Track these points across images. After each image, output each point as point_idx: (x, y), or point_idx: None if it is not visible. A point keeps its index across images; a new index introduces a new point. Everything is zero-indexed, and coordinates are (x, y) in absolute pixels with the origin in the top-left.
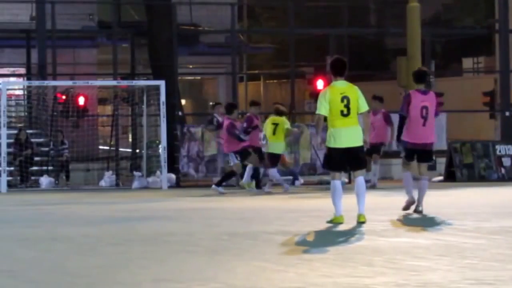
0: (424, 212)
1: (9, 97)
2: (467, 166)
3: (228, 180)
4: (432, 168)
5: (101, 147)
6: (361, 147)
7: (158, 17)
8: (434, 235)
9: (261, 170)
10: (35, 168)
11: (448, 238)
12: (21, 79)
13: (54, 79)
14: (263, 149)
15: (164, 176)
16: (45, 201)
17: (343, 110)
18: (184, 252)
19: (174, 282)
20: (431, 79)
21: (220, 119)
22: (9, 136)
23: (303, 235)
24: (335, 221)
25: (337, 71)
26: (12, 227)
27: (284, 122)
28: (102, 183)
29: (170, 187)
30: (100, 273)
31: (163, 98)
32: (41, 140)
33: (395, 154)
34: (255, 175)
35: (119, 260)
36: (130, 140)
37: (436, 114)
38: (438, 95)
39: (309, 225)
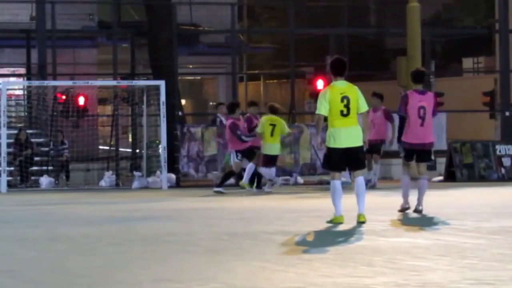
0: (424, 212)
1: (9, 97)
2: (467, 166)
3: (228, 180)
4: (432, 168)
5: (101, 147)
6: (361, 147)
7: (158, 17)
8: (434, 235)
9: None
10: (35, 168)
11: (448, 238)
12: (21, 79)
13: (54, 79)
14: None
15: (164, 176)
16: (45, 201)
17: (343, 110)
18: (184, 252)
19: (174, 282)
20: (431, 79)
21: (223, 119)
22: (9, 136)
23: (303, 235)
24: (335, 221)
25: (337, 71)
26: (12, 227)
27: (283, 124)
28: (102, 183)
29: (170, 187)
30: (100, 273)
31: (163, 98)
32: (41, 140)
33: (395, 154)
34: (255, 175)
35: (119, 260)
36: (130, 140)
37: (434, 114)
38: (438, 95)
39: (309, 225)
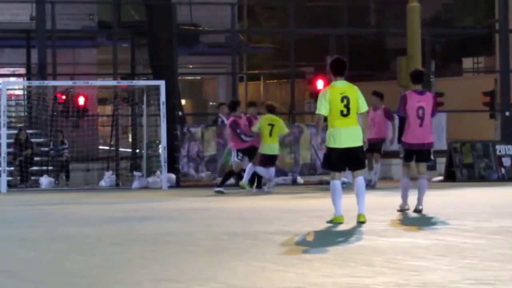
0: (424, 212)
1: (9, 97)
2: (467, 166)
3: (228, 180)
4: (432, 168)
5: (101, 147)
6: (361, 147)
7: (158, 17)
8: (434, 235)
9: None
10: (35, 168)
11: (448, 238)
12: (21, 79)
13: (54, 79)
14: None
15: (164, 176)
16: (45, 201)
17: (343, 110)
18: (184, 252)
19: (174, 282)
20: (431, 79)
21: (225, 119)
22: (9, 136)
23: (303, 235)
24: (335, 221)
25: (337, 71)
26: (12, 227)
27: (281, 124)
28: (102, 183)
29: (170, 187)
30: (100, 273)
31: (163, 98)
32: (41, 140)
33: (395, 154)
34: (256, 175)
35: (119, 260)
36: (130, 140)
37: (433, 115)
38: (438, 95)
39: (309, 225)
